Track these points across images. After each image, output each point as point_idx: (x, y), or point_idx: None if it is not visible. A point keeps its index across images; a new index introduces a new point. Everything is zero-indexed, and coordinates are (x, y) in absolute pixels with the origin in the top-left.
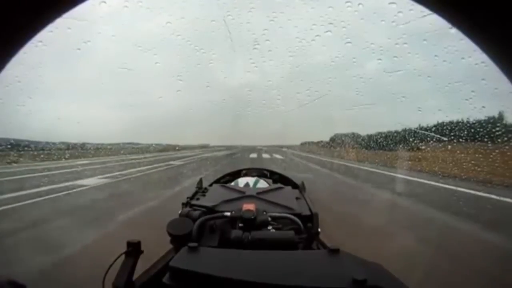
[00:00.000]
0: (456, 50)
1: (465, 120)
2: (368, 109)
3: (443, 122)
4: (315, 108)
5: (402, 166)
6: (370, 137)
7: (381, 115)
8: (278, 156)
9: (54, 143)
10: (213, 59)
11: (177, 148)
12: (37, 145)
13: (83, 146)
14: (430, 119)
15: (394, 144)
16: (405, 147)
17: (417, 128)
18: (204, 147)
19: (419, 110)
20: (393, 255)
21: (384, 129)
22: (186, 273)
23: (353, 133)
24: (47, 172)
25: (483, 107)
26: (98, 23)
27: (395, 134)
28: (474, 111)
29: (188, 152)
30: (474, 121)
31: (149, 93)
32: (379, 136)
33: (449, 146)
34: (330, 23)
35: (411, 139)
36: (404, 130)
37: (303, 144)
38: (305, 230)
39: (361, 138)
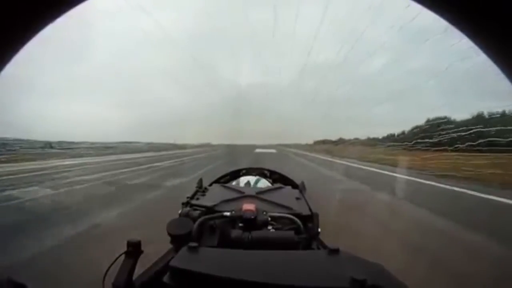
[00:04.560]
0: (457, 50)
1: None
2: (376, 106)
3: None
4: (322, 106)
5: None
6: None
7: (388, 112)
8: None
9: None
10: (216, 57)
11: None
12: (33, 144)
13: (69, 144)
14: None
15: None
16: None
17: None
18: (200, 146)
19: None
20: None
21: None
22: (186, 273)
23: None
24: None
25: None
26: (99, 22)
27: None
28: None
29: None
30: None
31: (150, 91)
32: None
33: None
34: (336, 23)
35: None
36: None
37: (317, 143)
38: (305, 230)
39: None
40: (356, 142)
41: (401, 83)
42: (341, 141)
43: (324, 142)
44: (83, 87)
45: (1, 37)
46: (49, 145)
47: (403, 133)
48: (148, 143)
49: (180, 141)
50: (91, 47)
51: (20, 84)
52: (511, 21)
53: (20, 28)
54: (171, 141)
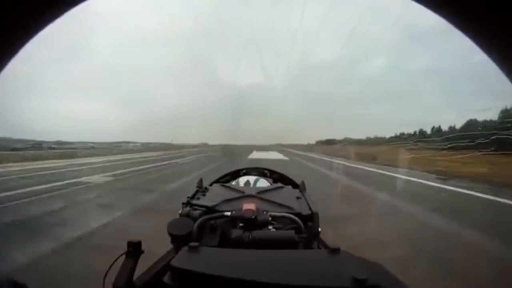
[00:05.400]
0: (458, 50)
1: None
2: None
3: None
4: (321, 106)
5: None
6: None
7: (389, 113)
8: None
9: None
10: (216, 56)
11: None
12: (26, 144)
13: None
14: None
15: None
16: None
17: None
18: (196, 146)
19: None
20: None
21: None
22: (187, 273)
23: None
24: None
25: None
26: (99, 22)
27: None
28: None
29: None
30: None
31: (148, 91)
32: None
33: None
34: (336, 22)
35: None
36: None
37: (319, 143)
38: (305, 230)
39: None
40: (369, 141)
41: (401, 83)
42: (344, 141)
43: (332, 142)
44: (81, 85)
45: (1, 37)
46: (38, 145)
47: (420, 131)
48: (145, 143)
49: (177, 141)
50: (90, 46)
51: (19, 83)
52: (511, 21)
53: (20, 28)
54: (168, 141)
